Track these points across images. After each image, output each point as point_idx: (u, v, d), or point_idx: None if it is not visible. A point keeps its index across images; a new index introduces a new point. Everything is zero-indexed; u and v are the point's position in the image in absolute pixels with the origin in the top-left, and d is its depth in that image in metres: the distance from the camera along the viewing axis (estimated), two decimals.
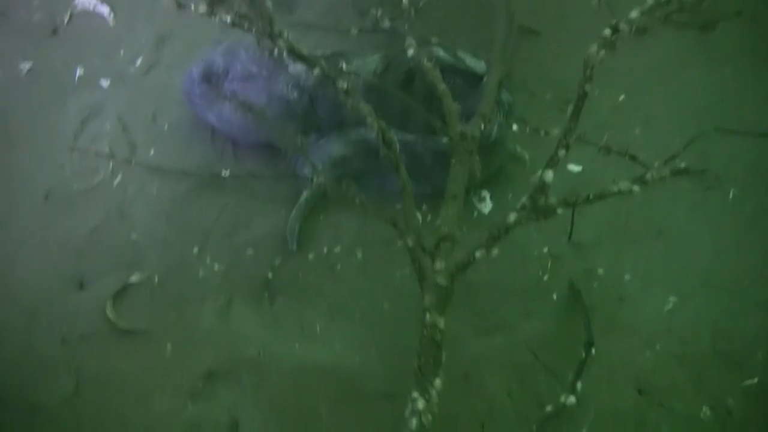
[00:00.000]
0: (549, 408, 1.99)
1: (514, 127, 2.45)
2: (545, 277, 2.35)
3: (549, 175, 1.70)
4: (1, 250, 2.39)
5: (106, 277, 2.33)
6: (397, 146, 1.88)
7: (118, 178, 2.53)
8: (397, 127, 2.35)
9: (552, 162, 1.73)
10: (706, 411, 2.10)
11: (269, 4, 1.79)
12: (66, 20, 2.89)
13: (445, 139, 2.19)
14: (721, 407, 2.10)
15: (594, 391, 2.11)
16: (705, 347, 2.21)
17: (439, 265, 1.79)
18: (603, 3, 2.43)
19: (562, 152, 1.73)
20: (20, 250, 2.39)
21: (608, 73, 2.73)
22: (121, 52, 2.82)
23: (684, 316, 2.27)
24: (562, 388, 2.05)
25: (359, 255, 2.40)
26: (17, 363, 2.18)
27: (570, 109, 1.71)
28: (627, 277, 2.34)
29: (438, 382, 1.69)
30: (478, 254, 1.77)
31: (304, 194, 2.44)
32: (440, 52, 2.45)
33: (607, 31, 1.59)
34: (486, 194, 2.52)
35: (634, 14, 1.67)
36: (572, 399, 1.99)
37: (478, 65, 2.46)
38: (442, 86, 2.08)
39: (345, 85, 1.87)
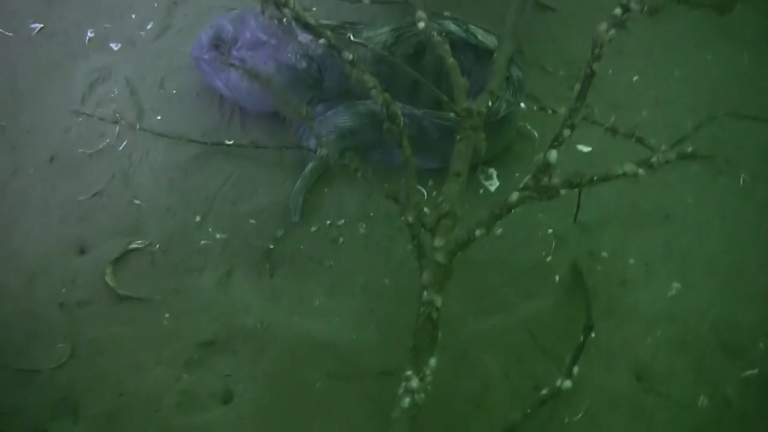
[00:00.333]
0: (544, 391, 1.98)
1: (522, 105, 2.41)
2: (548, 258, 2.32)
3: (553, 155, 1.67)
4: (3, 211, 2.39)
5: (107, 242, 2.33)
6: (401, 120, 1.85)
7: (124, 143, 2.52)
8: (406, 100, 2.33)
9: (557, 142, 1.69)
10: (703, 400, 2.07)
11: None
12: None
13: (452, 115, 2.16)
14: (720, 397, 2.08)
15: (592, 376, 2.09)
16: (707, 335, 2.18)
17: (439, 242, 1.77)
18: None
19: (567, 132, 1.69)
20: (22, 212, 2.39)
21: (623, 53, 2.71)
22: (133, 15, 2.83)
23: (687, 303, 2.24)
24: (559, 371, 2.02)
25: (362, 229, 2.38)
26: (14, 325, 2.18)
27: (577, 87, 1.67)
28: (631, 260, 2.31)
29: (433, 361, 1.68)
30: (478, 233, 1.74)
31: (309, 165, 2.43)
32: (451, 26, 2.41)
33: (618, 10, 1.54)
34: (493, 172, 2.49)
35: None
36: (568, 383, 1.97)
37: (489, 40, 2.42)
38: (450, 60, 2.03)
39: (350, 56, 1.84)
